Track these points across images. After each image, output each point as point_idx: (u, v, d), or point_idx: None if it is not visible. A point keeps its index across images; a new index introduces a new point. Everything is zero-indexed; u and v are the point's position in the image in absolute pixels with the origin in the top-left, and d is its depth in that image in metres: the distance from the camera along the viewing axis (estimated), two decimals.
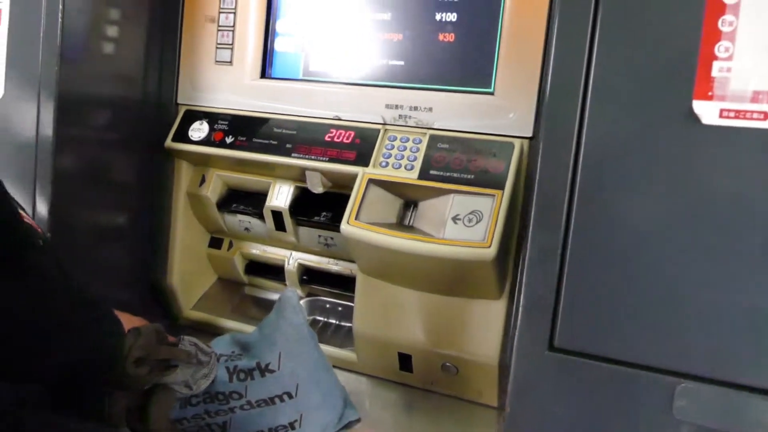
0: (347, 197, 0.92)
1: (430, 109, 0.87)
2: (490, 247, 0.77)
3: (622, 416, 0.60)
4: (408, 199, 0.87)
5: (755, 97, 0.55)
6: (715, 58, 0.56)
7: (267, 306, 1.08)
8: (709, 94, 0.56)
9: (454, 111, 0.86)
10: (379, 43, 0.91)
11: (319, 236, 0.99)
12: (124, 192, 0.99)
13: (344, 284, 1.03)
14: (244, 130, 0.97)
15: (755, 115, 0.55)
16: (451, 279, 0.83)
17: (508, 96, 0.83)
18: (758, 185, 0.55)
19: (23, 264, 0.56)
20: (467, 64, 0.86)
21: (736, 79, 0.55)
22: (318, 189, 0.93)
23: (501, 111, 0.83)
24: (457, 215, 0.81)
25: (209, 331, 1.06)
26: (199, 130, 0.99)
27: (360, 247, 0.85)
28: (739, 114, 0.56)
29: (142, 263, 1.05)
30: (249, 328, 0.98)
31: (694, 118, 0.57)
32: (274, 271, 1.09)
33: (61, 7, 0.83)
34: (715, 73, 0.56)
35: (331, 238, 0.99)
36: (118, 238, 1.00)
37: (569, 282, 0.62)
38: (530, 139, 0.82)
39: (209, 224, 1.09)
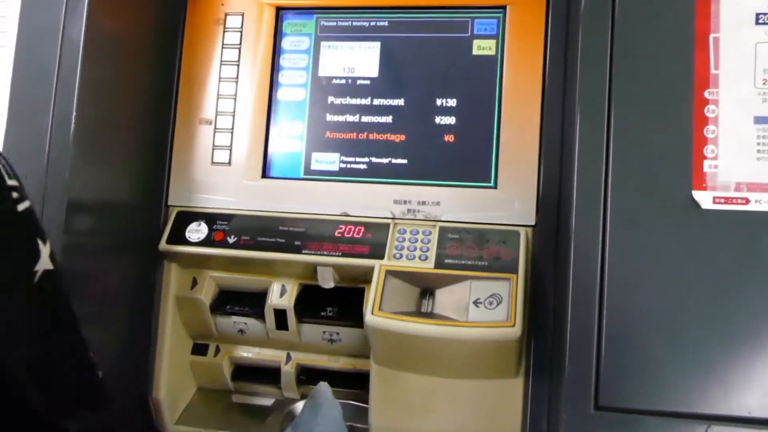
0: (352, 291, 1.08)
1: (438, 203, 1.07)
2: (514, 326, 0.95)
3: None
4: (425, 287, 1.04)
5: (737, 186, 0.81)
6: (705, 157, 0.81)
7: (258, 413, 1.17)
8: (704, 185, 0.81)
9: (460, 204, 1.06)
10: (381, 143, 1.11)
11: (324, 332, 1.12)
12: (108, 301, 1.04)
13: (347, 382, 1.15)
14: (247, 229, 1.10)
15: (738, 201, 0.81)
16: (476, 360, 1.00)
17: (509, 189, 1.05)
18: (745, 254, 0.80)
19: None
20: (469, 162, 1.08)
21: (722, 173, 0.81)
22: (329, 284, 1.08)
23: (504, 203, 1.05)
24: (478, 299, 0.99)
25: None
26: (197, 231, 1.11)
27: (384, 337, 1.00)
28: (727, 200, 0.81)
29: (126, 376, 1.11)
30: None
31: (696, 204, 0.81)
32: (266, 374, 1.19)
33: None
34: (706, 169, 0.81)
35: (337, 333, 1.12)
36: (102, 351, 1.06)
37: (607, 350, 0.81)
38: (533, 227, 1.04)
39: (196, 329, 1.18)
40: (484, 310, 0.97)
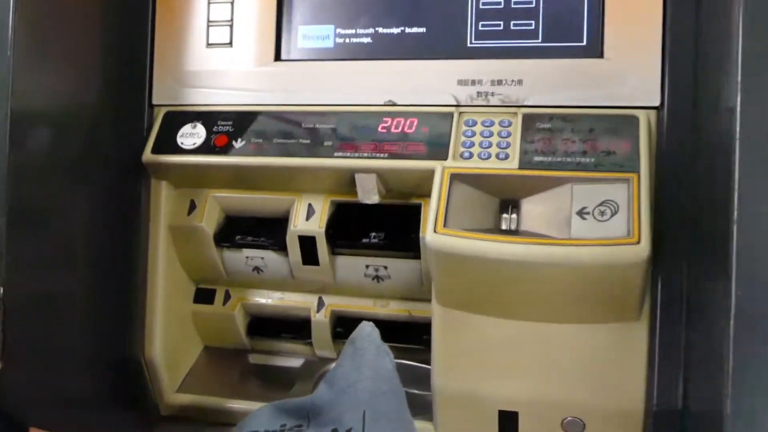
0: (404, 210, 0.85)
1: (520, 82, 0.83)
2: (639, 242, 0.72)
3: None
4: (506, 197, 0.81)
5: None
6: None
7: (283, 378, 0.97)
8: None
9: (552, 81, 0.82)
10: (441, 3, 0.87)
11: (367, 267, 0.90)
12: (77, 239, 0.83)
13: (399, 335, 0.94)
14: (258, 129, 0.88)
15: None
16: (581, 295, 0.77)
17: (621, 56, 0.81)
18: None
19: None
20: (565, 21, 0.84)
21: None
22: (373, 198, 0.85)
23: (615, 77, 0.80)
24: (584, 208, 0.76)
25: (203, 421, 0.94)
26: (192, 135, 0.90)
27: (452, 265, 0.77)
28: None
29: (106, 335, 0.90)
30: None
31: None
32: (292, 327, 0.98)
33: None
34: None
35: (384, 268, 0.90)
36: (70, 303, 0.82)
37: None
38: (656, 108, 0.80)
39: (198, 270, 0.97)
40: (594, 222, 0.74)
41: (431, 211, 0.76)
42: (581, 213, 0.74)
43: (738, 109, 0.57)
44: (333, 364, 0.90)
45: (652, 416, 0.77)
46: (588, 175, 0.76)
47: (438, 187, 0.77)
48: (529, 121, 0.80)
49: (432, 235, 0.74)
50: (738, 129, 0.55)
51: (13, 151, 0.71)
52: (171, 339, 0.93)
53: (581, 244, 0.72)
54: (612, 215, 0.73)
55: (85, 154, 0.82)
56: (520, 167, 0.78)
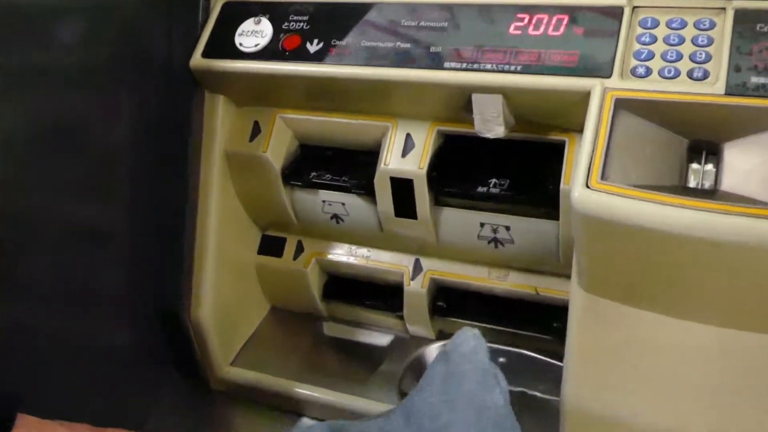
0: (539, 149, 0.61)
1: None
2: None
3: None
4: (700, 137, 0.54)
5: None
6: None
7: (365, 356, 0.76)
8: None
9: None
10: None
11: (482, 224, 0.67)
12: (110, 159, 0.65)
13: (519, 318, 0.71)
14: (342, 28, 0.65)
15: None
16: None
17: None
18: None
19: None
20: None
21: None
22: (496, 130, 0.60)
23: None
24: None
25: (262, 403, 0.75)
26: (254, 33, 0.67)
27: (609, 235, 0.52)
28: None
29: (145, 286, 0.72)
30: (339, 399, 0.66)
31: None
32: (379, 294, 0.76)
33: None
34: None
35: (506, 228, 0.66)
36: (101, 243, 0.66)
37: None
38: None
39: (262, 212, 0.76)
40: None
41: (582, 155, 0.51)
42: None
43: None
44: (431, 347, 0.70)
45: None
46: None
47: (595, 119, 0.52)
48: (744, 22, 0.53)
49: (582, 190, 0.49)
50: None
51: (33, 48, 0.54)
52: (226, 297, 0.74)
53: None
54: None
55: (122, 58, 0.64)
56: (728, 93, 0.51)
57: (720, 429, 0.56)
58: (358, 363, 0.74)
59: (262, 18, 0.66)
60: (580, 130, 0.55)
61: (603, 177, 0.51)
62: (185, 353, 0.74)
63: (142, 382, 0.72)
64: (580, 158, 0.51)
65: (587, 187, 0.50)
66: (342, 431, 0.52)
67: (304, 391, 0.71)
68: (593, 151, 0.52)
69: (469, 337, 0.50)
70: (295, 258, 0.76)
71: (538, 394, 0.70)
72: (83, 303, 0.64)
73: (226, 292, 0.74)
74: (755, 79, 0.51)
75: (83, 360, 0.64)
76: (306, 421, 0.65)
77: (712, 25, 0.54)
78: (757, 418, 0.55)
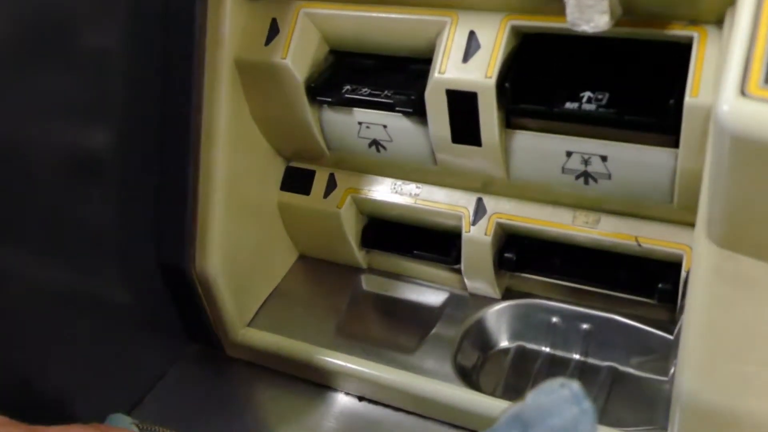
0: (644, 51, 0.44)
1: None
2: None
3: None
4: None
5: None
6: None
7: (412, 316, 0.61)
8: None
9: None
10: None
11: (570, 155, 0.50)
12: (98, 70, 0.53)
13: (614, 275, 0.55)
14: None
15: None
16: None
17: None
18: None
19: None
20: None
21: None
22: (598, 20, 0.43)
23: None
24: None
25: (286, 373, 0.61)
26: None
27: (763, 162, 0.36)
28: None
29: (143, 231, 0.59)
30: (379, 372, 0.55)
31: None
32: (431, 242, 0.61)
33: None
34: None
35: (602, 159, 0.50)
36: (88, 175, 0.54)
37: None
38: None
39: (283, 138, 0.62)
40: None
41: (734, 49, 0.34)
42: None
43: None
44: (493, 310, 0.56)
45: None
46: None
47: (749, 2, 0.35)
48: None
49: (736, 100, 0.33)
50: None
51: None
52: (240, 245, 0.60)
53: None
54: None
55: None
56: None
57: None
58: (403, 326, 0.61)
59: None
60: (716, 21, 0.39)
61: (767, 81, 0.34)
62: (193, 313, 0.60)
63: (145, 347, 0.61)
64: (731, 55, 0.35)
65: (743, 94, 0.34)
66: None
67: (337, 360, 0.58)
68: (751, 43, 0.35)
69: (564, 402, 0.33)
70: (326, 196, 0.62)
71: (631, 370, 0.55)
72: (71, 249, 0.53)
73: (239, 239, 0.60)
74: None
75: (68, 317, 0.53)
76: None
77: None
78: None
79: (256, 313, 0.64)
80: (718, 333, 0.44)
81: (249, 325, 0.63)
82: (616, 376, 0.56)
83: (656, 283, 0.52)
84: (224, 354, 0.64)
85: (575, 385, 0.33)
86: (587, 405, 0.32)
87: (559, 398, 0.32)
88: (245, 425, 0.57)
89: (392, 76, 0.55)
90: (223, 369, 0.63)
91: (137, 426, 0.48)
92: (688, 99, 0.43)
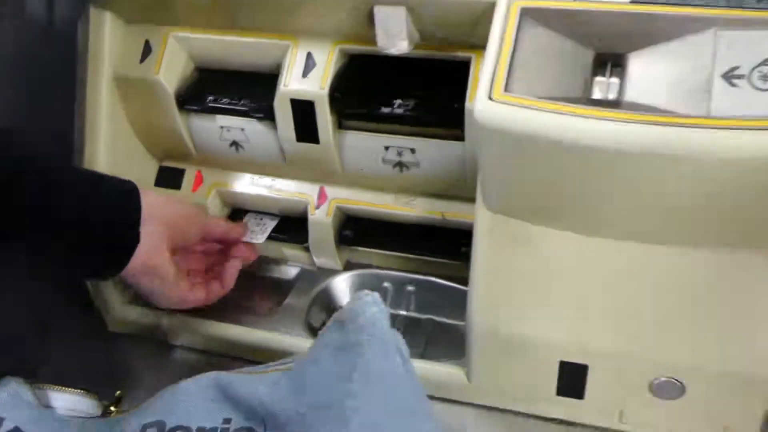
0: (445, 67, 0.58)
1: None
2: None
3: None
4: (605, 49, 0.53)
5: None
6: None
7: (270, 290, 0.73)
8: None
9: None
10: None
11: (388, 148, 0.64)
12: None
13: (427, 244, 0.69)
14: None
15: None
16: (717, 208, 0.50)
17: None
18: None
19: None
20: None
21: None
22: (401, 45, 0.57)
23: None
24: (735, 70, 0.47)
25: (165, 343, 0.71)
26: None
27: (514, 149, 0.50)
28: None
29: None
30: (246, 333, 0.64)
31: None
32: (284, 226, 0.73)
33: None
34: None
35: (412, 151, 0.64)
36: None
37: None
38: None
39: (157, 141, 0.71)
40: (752, 92, 0.46)
41: (486, 66, 0.48)
42: (729, 76, 0.46)
43: None
44: (338, 278, 0.67)
45: None
46: (744, 15, 0.47)
47: (500, 29, 0.50)
48: None
49: (485, 103, 0.47)
50: None
51: None
52: None
53: (731, 127, 0.44)
54: None
55: None
56: (633, 0, 0.49)
57: (629, 346, 0.56)
58: (264, 297, 0.71)
59: None
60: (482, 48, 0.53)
61: (507, 89, 0.49)
62: (79, 295, 0.69)
63: (31, 324, 0.67)
64: (484, 70, 0.49)
65: (490, 99, 0.48)
66: (230, 386, 0.49)
67: (210, 329, 0.67)
68: (497, 62, 0.49)
69: (367, 305, 0.47)
70: (194, 190, 0.71)
71: (445, 320, 0.69)
72: None
73: None
74: None
75: None
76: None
77: None
78: (665, 333, 0.55)
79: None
80: (495, 277, 0.58)
81: (130, 302, 0.72)
82: (435, 326, 0.70)
83: (459, 247, 0.66)
84: (104, 333, 0.72)
85: (376, 294, 0.46)
86: (383, 307, 0.45)
87: (364, 303, 0.46)
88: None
89: (248, 88, 0.66)
90: (105, 343, 0.71)
91: (29, 385, 0.52)
92: (467, 104, 0.58)
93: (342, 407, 0.42)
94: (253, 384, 0.47)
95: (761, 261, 0.51)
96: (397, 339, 0.47)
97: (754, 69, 0.46)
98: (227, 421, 0.47)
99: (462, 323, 0.63)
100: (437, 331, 0.68)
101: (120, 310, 0.70)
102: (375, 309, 0.45)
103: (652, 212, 0.50)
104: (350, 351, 0.44)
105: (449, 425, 0.60)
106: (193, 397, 0.48)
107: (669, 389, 0.57)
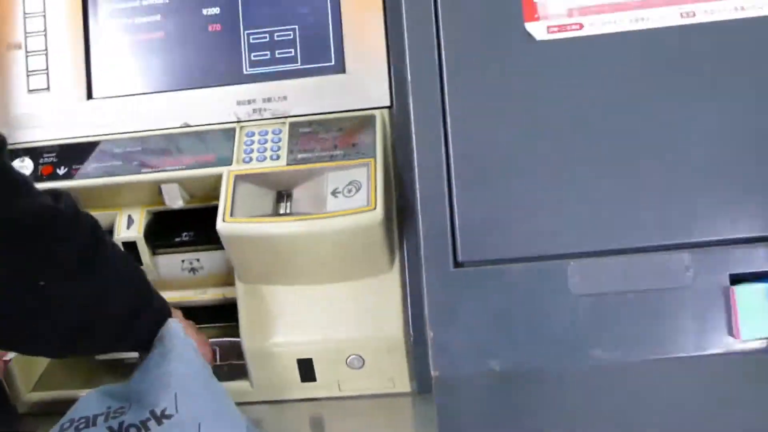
0: (207, 211, 1.06)
1: (285, 98, 1.07)
2: (375, 209, 0.96)
3: (529, 306, 0.81)
4: (280, 188, 1.03)
5: (570, 13, 0.84)
6: None
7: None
8: (536, 16, 0.84)
9: (310, 95, 1.06)
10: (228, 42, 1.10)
11: (183, 261, 1.11)
12: None
13: (220, 315, 1.14)
14: (78, 157, 1.07)
15: (573, 27, 0.84)
16: (342, 255, 1.00)
17: (360, 70, 1.05)
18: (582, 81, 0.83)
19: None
20: (316, 47, 1.08)
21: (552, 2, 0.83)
22: (178, 203, 1.06)
23: (357, 86, 1.05)
24: (336, 189, 0.99)
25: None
26: (21, 168, 1.08)
27: (240, 245, 0.99)
28: (561, 28, 0.83)
29: None
30: None
31: (529, 36, 0.83)
32: None
33: None
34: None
35: (197, 260, 1.11)
36: None
37: (460, 206, 0.82)
38: (389, 108, 1.05)
39: None
40: (343, 199, 0.97)
41: (221, 206, 0.97)
42: (334, 193, 0.97)
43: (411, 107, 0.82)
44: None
45: (412, 345, 1.01)
46: (339, 164, 0.99)
47: (225, 187, 0.99)
48: (294, 128, 1.03)
49: (221, 224, 0.95)
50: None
51: None
52: None
53: (333, 216, 0.95)
54: (357, 191, 0.97)
55: None
56: (288, 164, 1.00)
57: (323, 339, 1.03)
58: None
59: (25, 158, 1.07)
60: None
61: (232, 214, 0.98)
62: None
63: None
64: (220, 208, 0.98)
65: (224, 221, 0.97)
66: (110, 391, 0.86)
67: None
68: (225, 203, 0.98)
69: (173, 323, 0.88)
70: None
71: (234, 362, 1.11)
72: None
73: None
74: (301, 155, 1.01)
75: None
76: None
77: (280, 132, 1.03)
78: (338, 328, 1.03)
79: (37, 382, 1.12)
80: (252, 318, 1.03)
81: (33, 390, 1.11)
82: (233, 366, 1.15)
83: (237, 313, 1.12)
84: (15, 412, 1.09)
85: (177, 320, 0.93)
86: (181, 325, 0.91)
87: (169, 326, 0.91)
88: None
89: None
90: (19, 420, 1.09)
91: None
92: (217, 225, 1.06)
93: (164, 377, 0.85)
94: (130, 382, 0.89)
95: (373, 281, 1.01)
96: (189, 339, 0.92)
97: (344, 188, 0.97)
98: (108, 407, 0.86)
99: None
100: (228, 370, 1.11)
101: (27, 396, 1.09)
102: (175, 325, 0.90)
103: (317, 264, 1.00)
104: (166, 347, 0.88)
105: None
106: (87, 399, 0.88)
107: (357, 362, 1.04)
